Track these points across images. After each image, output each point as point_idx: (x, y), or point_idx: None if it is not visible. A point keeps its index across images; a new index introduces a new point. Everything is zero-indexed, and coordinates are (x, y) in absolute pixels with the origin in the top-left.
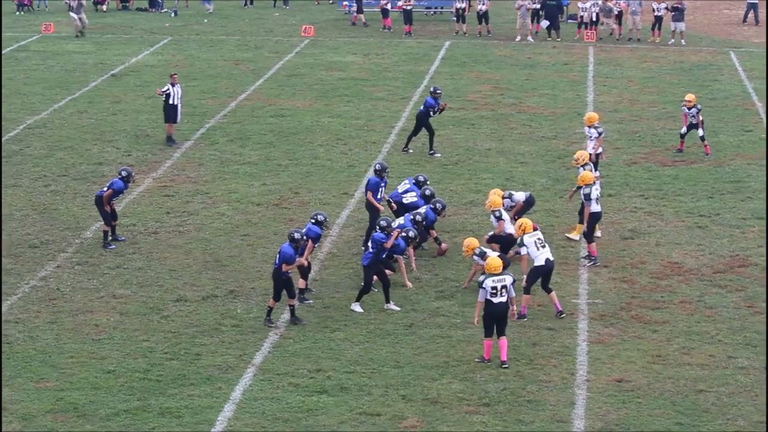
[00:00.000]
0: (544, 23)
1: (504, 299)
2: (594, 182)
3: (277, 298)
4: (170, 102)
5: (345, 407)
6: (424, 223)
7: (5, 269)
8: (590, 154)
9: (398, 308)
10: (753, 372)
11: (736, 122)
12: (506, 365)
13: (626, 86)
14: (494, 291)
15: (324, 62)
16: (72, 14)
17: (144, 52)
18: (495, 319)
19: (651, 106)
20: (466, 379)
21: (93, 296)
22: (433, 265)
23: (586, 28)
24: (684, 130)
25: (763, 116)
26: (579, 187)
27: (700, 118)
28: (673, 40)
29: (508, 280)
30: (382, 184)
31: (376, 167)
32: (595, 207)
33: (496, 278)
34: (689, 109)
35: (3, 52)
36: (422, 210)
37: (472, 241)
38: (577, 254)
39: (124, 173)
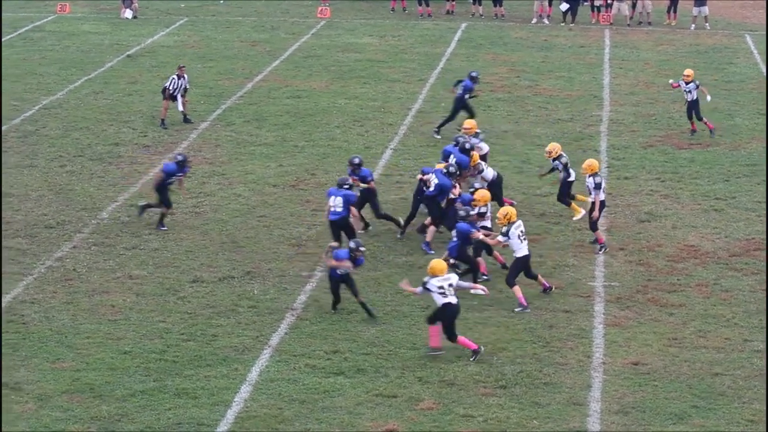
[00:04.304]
0: (564, 6)
1: (456, 300)
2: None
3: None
4: (169, 88)
5: (361, 389)
6: (457, 173)
7: (21, 249)
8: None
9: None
10: None
11: (752, 105)
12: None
13: (642, 69)
14: (442, 290)
15: (340, 44)
16: (125, 14)
17: (160, 32)
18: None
19: (667, 89)
20: (483, 362)
21: (109, 277)
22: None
23: (600, 11)
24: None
25: None
26: (591, 176)
27: (695, 96)
28: (694, 25)
29: (453, 278)
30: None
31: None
32: (602, 195)
33: (440, 278)
34: (687, 84)
35: (18, 32)
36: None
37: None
38: (593, 237)
39: (179, 158)
